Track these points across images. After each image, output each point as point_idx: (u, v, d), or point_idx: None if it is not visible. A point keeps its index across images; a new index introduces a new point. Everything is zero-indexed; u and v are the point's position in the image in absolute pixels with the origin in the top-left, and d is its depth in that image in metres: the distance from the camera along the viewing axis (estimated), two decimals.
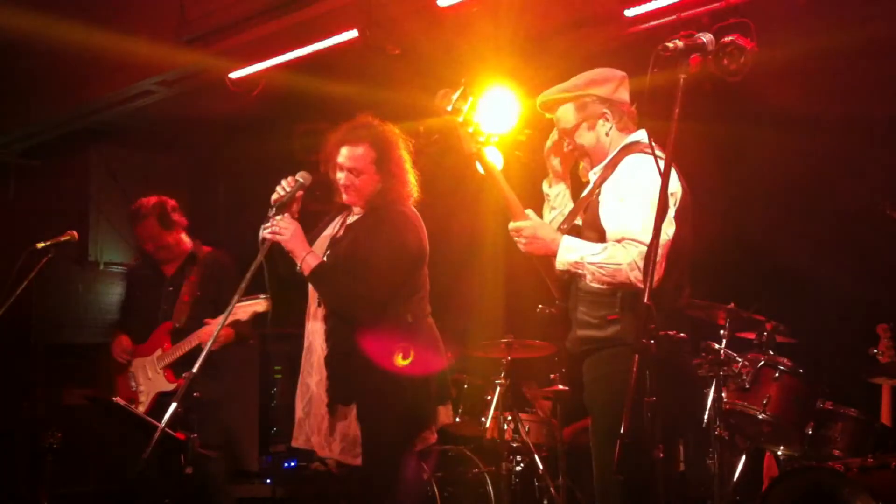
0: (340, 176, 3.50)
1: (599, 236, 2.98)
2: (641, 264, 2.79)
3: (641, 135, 3.09)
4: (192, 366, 4.08)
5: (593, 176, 3.16)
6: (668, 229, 2.86)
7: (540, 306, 2.83)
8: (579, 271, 2.91)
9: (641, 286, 2.71)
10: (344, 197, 3.55)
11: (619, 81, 3.16)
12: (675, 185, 2.95)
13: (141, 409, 4.42)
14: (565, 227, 3.11)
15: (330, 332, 3.46)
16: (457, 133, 3.17)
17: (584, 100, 3.12)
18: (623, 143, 3.10)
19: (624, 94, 3.16)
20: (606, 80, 3.15)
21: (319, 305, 3.51)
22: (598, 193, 3.05)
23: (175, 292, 4.55)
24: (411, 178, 3.58)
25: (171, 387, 4.40)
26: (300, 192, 3.47)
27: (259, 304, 4.13)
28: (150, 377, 4.46)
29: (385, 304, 3.41)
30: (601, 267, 2.87)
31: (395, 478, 3.40)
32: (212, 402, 4.31)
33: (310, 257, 3.42)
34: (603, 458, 2.94)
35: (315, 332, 3.50)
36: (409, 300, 3.49)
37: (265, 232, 3.39)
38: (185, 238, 4.74)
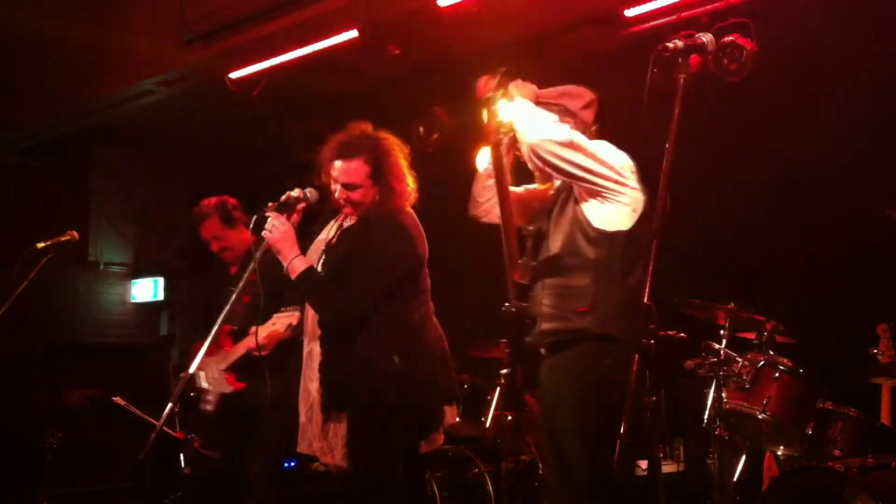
0: (336, 188, 3.47)
1: (566, 237, 2.99)
2: (564, 149, 2.92)
3: None
4: (252, 369, 4.15)
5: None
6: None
7: (506, 304, 2.79)
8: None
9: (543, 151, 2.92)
10: (342, 210, 3.53)
11: (588, 101, 3.20)
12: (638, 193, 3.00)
13: (209, 407, 4.42)
14: (531, 229, 3.11)
15: (325, 337, 3.45)
16: (466, 123, 3.16)
17: (552, 107, 3.14)
18: None
19: (589, 115, 3.20)
20: (579, 96, 3.19)
21: None
22: (564, 198, 3.08)
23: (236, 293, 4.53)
24: (409, 182, 3.54)
25: (230, 389, 4.41)
26: (302, 205, 3.47)
27: (293, 317, 4.15)
28: (215, 377, 4.46)
29: (370, 313, 3.37)
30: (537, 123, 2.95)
31: (396, 480, 3.38)
32: (259, 406, 4.31)
33: (297, 261, 3.39)
34: (579, 457, 2.92)
35: (314, 336, 3.49)
36: (412, 301, 3.48)
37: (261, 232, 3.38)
38: (248, 236, 4.73)
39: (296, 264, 3.39)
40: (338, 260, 3.45)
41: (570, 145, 2.94)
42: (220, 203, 4.67)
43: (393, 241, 3.42)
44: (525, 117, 3.00)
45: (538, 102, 3.12)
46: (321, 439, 3.41)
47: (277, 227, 3.37)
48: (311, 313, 3.53)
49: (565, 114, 3.13)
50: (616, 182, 2.96)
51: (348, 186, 3.43)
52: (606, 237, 2.97)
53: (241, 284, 3.30)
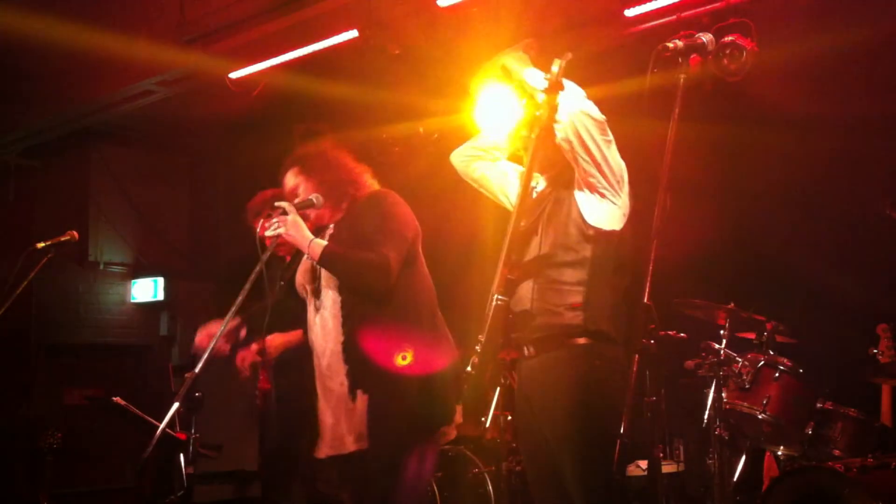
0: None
1: (561, 234, 2.99)
2: (597, 128, 2.88)
3: None
4: (288, 368, 4.14)
5: (542, 183, 3.18)
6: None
7: (498, 297, 2.75)
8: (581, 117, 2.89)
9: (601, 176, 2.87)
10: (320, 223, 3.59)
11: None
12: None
13: (272, 408, 4.41)
14: (522, 224, 3.11)
15: (346, 318, 3.42)
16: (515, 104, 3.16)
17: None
18: None
19: None
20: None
21: (319, 309, 3.50)
22: (558, 197, 3.06)
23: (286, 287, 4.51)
24: (359, 170, 3.62)
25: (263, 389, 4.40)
26: (309, 209, 3.49)
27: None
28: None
29: (397, 272, 3.38)
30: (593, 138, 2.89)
31: (406, 471, 3.36)
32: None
33: (314, 244, 3.40)
34: (583, 460, 2.88)
35: (325, 335, 3.48)
36: (417, 297, 3.49)
37: (268, 230, 3.38)
38: None
39: (314, 247, 3.39)
40: (346, 238, 3.46)
41: (603, 126, 2.92)
42: (273, 198, 4.65)
43: (391, 204, 3.50)
44: (569, 86, 2.96)
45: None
46: (352, 431, 3.36)
47: (286, 220, 3.39)
48: (311, 315, 3.53)
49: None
50: (618, 183, 2.96)
51: (291, 195, 3.56)
52: (603, 236, 2.97)
53: (246, 286, 3.27)
